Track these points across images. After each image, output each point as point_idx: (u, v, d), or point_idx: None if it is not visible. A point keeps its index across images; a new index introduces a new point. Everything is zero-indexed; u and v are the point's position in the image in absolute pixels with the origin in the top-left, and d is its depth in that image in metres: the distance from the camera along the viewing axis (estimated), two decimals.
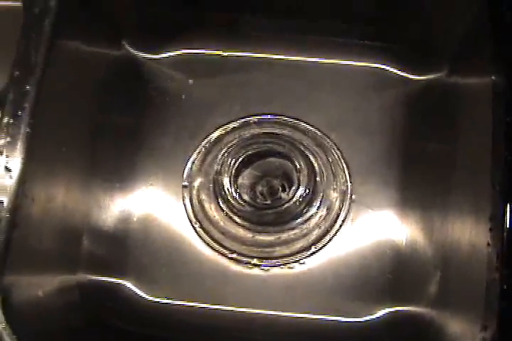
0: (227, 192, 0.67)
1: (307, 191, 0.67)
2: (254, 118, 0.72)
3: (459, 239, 0.62)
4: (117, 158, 0.72)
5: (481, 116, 0.58)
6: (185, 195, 0.71)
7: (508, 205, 0.52)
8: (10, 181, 0.54)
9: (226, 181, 0.66)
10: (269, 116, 0.72)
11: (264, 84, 0.74)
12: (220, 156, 0.68)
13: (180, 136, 0.73)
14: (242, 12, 0.73)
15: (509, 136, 0.54)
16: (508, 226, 0.52)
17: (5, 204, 0.54)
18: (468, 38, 0.64)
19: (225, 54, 0.74)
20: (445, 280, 0.64)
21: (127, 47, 0.73)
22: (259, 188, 0.70)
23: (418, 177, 0.70)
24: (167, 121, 0.73)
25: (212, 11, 0.73)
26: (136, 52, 0.74)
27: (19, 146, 0.55)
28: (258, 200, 0.69)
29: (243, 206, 0.67)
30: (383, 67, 0.74)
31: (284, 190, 0.69)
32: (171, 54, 0.75)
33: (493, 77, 0.56)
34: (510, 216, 0.52)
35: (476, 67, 0.62)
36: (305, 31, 0.74)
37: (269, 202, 0.69)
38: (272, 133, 0.70)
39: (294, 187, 0.67)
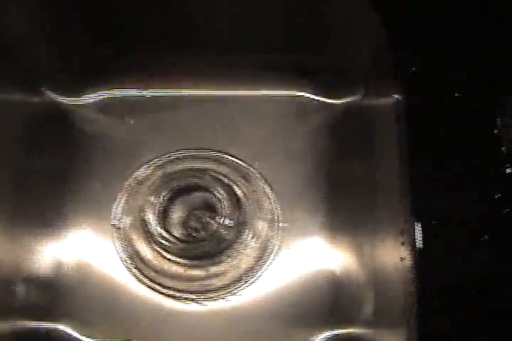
0: (154, 229, 0.67)
1: (231, 221, 0.67)
2: (177, 154, 0.72)
3: (385, 259, 0.62)
4: (46, 203, 0.72)
5: (389, 137, 0.60)
6: (116, 235, 0.71)
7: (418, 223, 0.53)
8: None
9: (152, 218, 0.67)
10: (192, 152, 0.72)
11: (187, 120, 0.75)
12: (144, 195, 0.68)
13: (108, 177, 0.74)
14: (163, 50, 0.74)
15: (412, 152, 0.56)
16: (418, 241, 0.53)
17: None
18: (374, 62, 0.66)
19: (146, 93, 0.75)
20: (378, 300, 0.65)
21: (47, 93, 0.74)
22: (189, 223, 0.70)
23: (345, 202, 0.71)
24: (94, 163, 0.74)
25: (130, 52, 0.74)
26: (57, 98, 0.74)
27: None
28: (188, 235, 0.69)
29: (171, 242, 0.67)
30: (302, 94, 0.75)
31: (210, 223, 0.69)
32: (93, 96, 0.76)
33: (395, 96, 0.58)
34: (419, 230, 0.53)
35: (383, 90, 0.64)
36: (222, 65, 0.75)
37: (198, 236, 0.69)
38: (194, 167, 0.70)
39: (218, 219, 0.67)
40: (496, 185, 0.55)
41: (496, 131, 0.56)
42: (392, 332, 0.59)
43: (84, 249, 0.72)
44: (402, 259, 0.55)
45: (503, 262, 0.53)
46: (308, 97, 0.75)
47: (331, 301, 0.70)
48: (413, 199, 0.54)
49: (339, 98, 0.74)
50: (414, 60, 0.60)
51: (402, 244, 0.55)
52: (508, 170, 0.55)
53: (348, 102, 0.73)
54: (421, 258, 0.53)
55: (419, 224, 0.54)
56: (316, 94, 0.75)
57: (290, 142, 0.74)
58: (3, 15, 0.64)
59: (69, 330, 0.69)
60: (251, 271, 0.70)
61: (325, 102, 0.75)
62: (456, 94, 0.57)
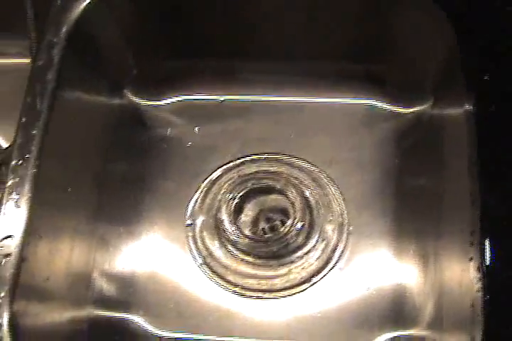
0: (227, 228, 0.69)
1: (303, 224, 0.69)
2: (252, 157, 0.75)
3: (450, 271, 0.64)
4: (122, 202, 0.75)
5: (459, 149, 0.61)
6: (189, 233, 0.74)
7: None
8: (19, 218, 0.58)
9: (225, 217, 0.69)
10: (265, 155, 0.75)
11: (261, 125, 0.78)
12: (219, 194, 0.71)
13: (183, 179, 0.77)
14: (238, 57, 0.78)
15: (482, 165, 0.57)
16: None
17: (15, 239, 0.58)
18: (444, 71, 0.68)
19: (223, 98, 0.79)
20: (440, 303, 0.66)
21: (129, 95, 0.77)
22: (260, 224, 0.73)
23: (411, 209, 0.73)
24: (169, 165, 0.77)
25: (209, 58, 0.78)
26: (137, 100, 0.78)
27: (27, 186, 0.59)
28: (259, 235, 0.72)
29: (244, 241, 0.69)
30: (372, 102, 0.78)
31: (283, 225, 0.71)
32: (172, 100, 0.79)
33: (466, 106, 0.60)
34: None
35: (453, 99, 0.66)
36: (297, 73, 0.78)
37: (269, 236, 0.71)
38: (269, 170, 0.73)
39: (289, 222, 0.69)
40: None
41: None
42: (455, 333, 0.60)
43: (158, 246, 0.75)
44: (470, 259, 0.56)
45: None
46: (378, 106, 0.77)
47: (394, 305, 0.71)
48: (482, 212, 0.56)
49: (408, 107, 0.77)
50: (485, 70, 0.61)
51: (471, 259, 0.56)
52: None
53: (417, 112, 0.76)
54: (488, 273, 0.54)
55: (488, 241, 0.55)
56: (386, 103, 0.77)
57: (360, 150, 0.76)
58: (98, 25, 0.69)
59: (141, 322, 0.72)
60: (317, 273, 0.72)
61: (394, 111, 0.77)
62: None
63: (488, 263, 0.55)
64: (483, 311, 0.54)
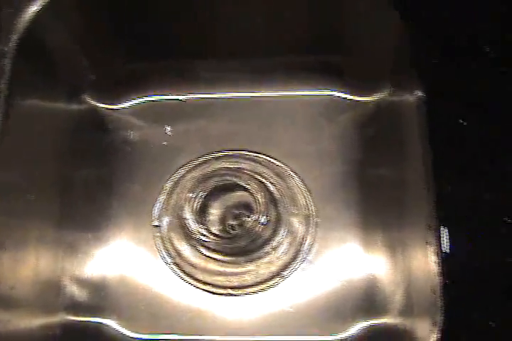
0: (192, 226, 0.69)
1: (268, 219, 0.69)
2: (214, 155, 0.75)
3: (414, 255, 0.64)
4: (88, 207, 0.75)
5: (415, 134, 0.61)
6: (156, 234, 0.74)
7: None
8: None
9: (190, 216, 0.69)
10: (228, 152, 0.75)
11: (222, 122, 0.78)
12: (183, 194, 0.71)
13: (148, 181, 0.77)
14: (195, 56, 0.78)
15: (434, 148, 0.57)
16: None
17: None
18: (398, 59, 0.68)
19: (183, 98, 0.79)
20: (409, 291, 0.66)
21: (88, 100, 0.77)
22: (227, 221, 0.73)
23: (376, 199, 0.73)
24: (134, 167, 0.77)
25: (166, 58, 0.77)
26: (97, 104, 0.78)
27: None
28: (225, 232, 0.72)
29: (210, 239, 0.69)
30: (331, 93, 0.77)
31: (247, 221, 0.71)
32: (132, 103, 0.79)
33: (418, 93, 0.60)
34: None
35: (408, 86, 0.66)
36: (255, 69, 0.78)
37: (235, 232, 0.71)
38: (231, 167, 0.73)
39: (254, 217, 0.69)
40: None
41: None
42: (423, 319, 0.60)
43: (127, 249, 0.75)
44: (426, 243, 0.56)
45: None
46: (337, 96, 0.77)
47: (365, 295, 0.71)
48: (437, 198, 0.56)
49: (368, 96, 0.76)
50: (433, 57, 0.61)
51: (427, 243, 0.57)
52: None
53: (376, 100, 0.75)
54: (446, 256, 0.54)
55: (444, 224, 0.55)
56: (346, 93, 0.77)
57: (322, 141, 0.76)
58: (49, 31, 0.68)
59: (114, 325, 0.72)
60: (287, 267, 0.72)
61: (354, 101, 0.77)
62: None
63: (445, 247, 0.55)
64: (443, 296, 0.54)
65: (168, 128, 0.78)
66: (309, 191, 0.74)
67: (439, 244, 0.55)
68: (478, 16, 0.61)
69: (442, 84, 0.60)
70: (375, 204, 0.72)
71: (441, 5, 0.62)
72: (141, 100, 0.79)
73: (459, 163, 0.57)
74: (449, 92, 0.59)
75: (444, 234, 0.55)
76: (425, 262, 0.59)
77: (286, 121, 0.77)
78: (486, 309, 0.54)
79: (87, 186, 0.76)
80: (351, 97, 0.77)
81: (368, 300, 0.71)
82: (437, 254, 0.56)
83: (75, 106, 0.76)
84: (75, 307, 0.72)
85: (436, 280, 0.55)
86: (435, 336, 0.54)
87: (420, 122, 0.60)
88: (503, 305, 0.54)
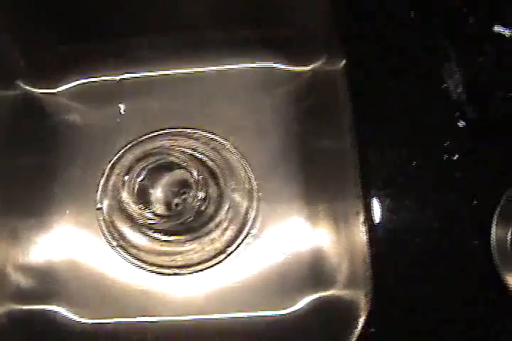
0: (130, 208, 0.68)
1: (205, 194, 0.68)
2: (152, 135, 0.74)
3: (354, 228, 0.63)
4: (31, 194, 0.74)
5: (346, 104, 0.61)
6: (100, 217, 0.73)
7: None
8: None
9: (127, 197, 0.68)
10: (165, 131, 0.74)
11: (160, 100, 0.77)
12: (119, 176, 0.70)
13: (89, 164, 0.76)
14: (128, 35, 0.76)
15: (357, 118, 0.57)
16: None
17: None
18: (329, 31, 0.67)
19: (119, 78, 0.77)
20: (353, 263, 0.66)
21: (22, 85, 0.76)
22: (164, 199, 0.72)
23: (317, 171, 0.72)
24: (74, 151, 0.76)
25: (98, 39, 0.76)
26: (32, 90, 0.77)
27: None
28: (165, 211, 0.71)
29: (149, 218, 0.68)
30: (268, 65, 0.77)
31: (185, 198, 0.70)
32: (68, 86, 0.78)
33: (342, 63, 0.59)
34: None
35: (339, 56, 0.65)
36: (191, 44, 0.77)
37: (175, 211, 0.71)
38: (166, 145, 0.72)
39: (192, 193, 0.68)
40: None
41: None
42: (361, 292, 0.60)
43: (72, 234, 0.74)
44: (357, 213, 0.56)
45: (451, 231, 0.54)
46: (273, 67, 0.76)
47: (312, 268, 0.71)
48: (362, 169, 0.56)
49: (304, 66, 0.75)
50: (355, 27, 0.61)
51: (357, 213, 0.56)
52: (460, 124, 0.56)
53: (313, 69, 0.74)
54: (375, 230, 0.54)
55: (371, 195, 0.55)
56: (281, 64, 0.76)
57: (261, 115, 0.75)
58: None
59: (63, 311, 0.72)
60: (231, 243, 0.72)
61: (291, 72, 0.76)
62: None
63: (372, 216, 0.55)
64: (371, 265, 0.54)
65: (122, 110, 0.77)
66: (250, 165, 0.73)
67: (365, 212, 0.55)
68: None
69: (362, 53, 0.59)
70: (317, 176, 0.72)
71: None
72: (77, 82, 0.79)
73: (384, 130, 0.57)
74: (369, 60, 0.59)
75: (370, 201, 0.55)
76: (358, 232, 0.59)
77: (225, 95, 0.76)
78: (412, 278, 0.54)
79: (29, 172, 0.75)
80: (288, 68, 0.76)
81: (314, 272, 0.70)
82: (364, 222, 0.55)
83: (10, 93, 0.75)
84: (21, 295, 0.72)
85: (366, 250, 0.55)
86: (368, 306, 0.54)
87: (343, 92, 0.59)
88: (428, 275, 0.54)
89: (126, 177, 0.69)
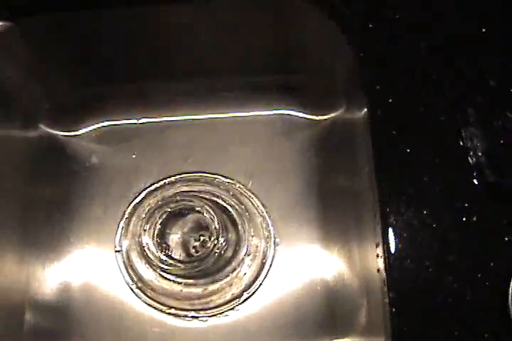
0: (151, 253, 0.69)
1: (226, 240, 0.69)
2: (171, 179, 0.76)
3: (370, 269, 0.65)
4: (51, 231, 0.76)
5: (364, 149, 0.62)
6: (119, 258, 0.74)
7: (390, 230, 0.55)
8: None
9: (149, 242, 0.69)
10: (183, 175, 0.76)
11: (180, 144, 0.79)
12: (140, 220, 0.72)
13: (108, 204, 0.77)
14: (150, 79, 0.78)
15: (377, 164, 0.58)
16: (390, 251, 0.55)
17: None
18: (350, 79, 0.69)
19: (139, 121, 0.79)
20: (371, 308, 0.67)
21: (44, 127, 0.78)
22: (184, 245, 0.73)
23: (334, 214, 0.74)
24: (95, 191, 0.77)
25: (120, 82, 0.78)
26: (53, 132, 0.78)
27: None
28: (183, 256, 0.72)
29: (169, 264, 0.69)
30: (288, 112, 0.78)
31: (203, 246, 0.72)
32: (89, 129, 0.80)
33: (364, 111, 0.61)
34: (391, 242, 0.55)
35: (359, 105, 0.66)
36: (210, 89, 0.78)
37: (195, 256, 0.72)
38: (187, 191, 0.73)
39: (213, 239, 0.70)
40: (464, 196, 0.57)
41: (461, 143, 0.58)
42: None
43: (90, 273, 0.75)
44: (378, 271, 0.57)
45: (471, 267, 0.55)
46: (293, 115, 0.78)
47: (327, 312, 0.72)
48: (382, 211, 0.57)
49: (322, 115, 0.77)
50: (378, 80, 0.62)
51: (377, 256, 0.57)
52: (475, 181, 0.57)
53: (331, 118, 0.76)
54: (392, 270, 0.55)
55: (389, 236, 0.56)
56: (301, 112, 0.78)
57: (279, 160, 0.77)
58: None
59: None
60: (248, 287, 0.73)
61: (310, 120, 0.78)
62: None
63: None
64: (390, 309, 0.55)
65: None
66: (268, 209, 0.74)
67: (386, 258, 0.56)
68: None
69: (384, 106, 0.61)
70: (334, 218, 0.73)
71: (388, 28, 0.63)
72: (97, 125, 0.80)
73: (401, 178, 0.58)
74: (390, 112, 0.60)
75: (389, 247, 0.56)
76: (376, 275, 0.60)
77: (243, 141, 0.78)
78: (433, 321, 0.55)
79: (49, 210, 0.76)
80: (307, 116, 0.78)
81: (330, 318, 0.71)
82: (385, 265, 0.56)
83: (32, 134, 0.76)
84: (37, 333, 0.72)
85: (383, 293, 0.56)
86: None
87: (366, 138, 0.60)
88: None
89: (147, 221, 0.70)
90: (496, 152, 0.57)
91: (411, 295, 0.55)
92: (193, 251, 0.73)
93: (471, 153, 0.58)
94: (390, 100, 0.61)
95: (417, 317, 0.54)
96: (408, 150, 0.59)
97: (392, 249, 0.56)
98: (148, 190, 0.76)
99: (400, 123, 0.61)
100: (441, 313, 0.54)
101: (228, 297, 0.73)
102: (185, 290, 0.73)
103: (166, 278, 0.73)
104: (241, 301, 0.73)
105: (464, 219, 0.56)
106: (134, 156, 0.78)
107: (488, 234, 0.55)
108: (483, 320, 0.55)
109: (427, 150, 0.59)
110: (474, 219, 0.56)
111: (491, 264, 0.55)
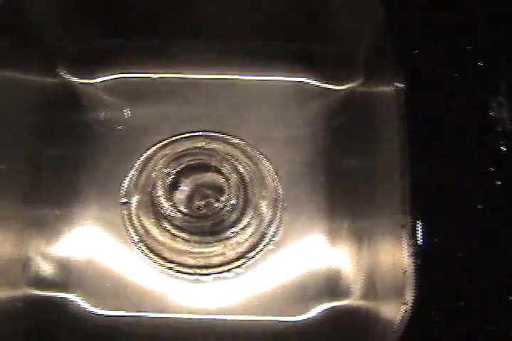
0: (163, 204, 0.69)
1: (237, 200, 0.70)
2: (186, 135, 0.75)
3: (383, 235, 0.66)
4: (58, 183, 0.75)
5: (391, 127, 0.63)
6: (124, 211, 0.74)
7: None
8: None
9: (161, 193, 0.69)
10: (200, 133, 0.76)
11: (194, 103, 0.78)
12: (154, 171, 0.71)
13: (118, 159, 0.76)
14: (171, 36, 0.78)
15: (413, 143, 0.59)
16: None
17: None
18: (375, 49, 0.70)
19: (156, 76, 0.78)
20: (373, 276, 0.68)
21: (63, 74, 0.77)
22: (195, 200, 0.73)
23: (344, 187, 0.75)
24: (105, 145, 0.77)
25: (142, 37, 0.77)
26: (71, 79, 0.78)
27: None
28: (194, 212, 0.72)
29: (179, 217, 0.70)
30: (304, 80, 0.79)
31: (217, 201, 0.72)
32: (105, 78, 0.79)
33: (396, 84, 0.61)
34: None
35: (384, 77, 0.67)
36: (229, 51, 0.78)
37: (204, 212, 0.72)
38: (203, 147, 0.73)
39: (224, 197, 0.70)
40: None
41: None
42: (388, 301, 0.62)
43: (95, 226, 0.75)
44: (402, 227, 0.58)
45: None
46: (309, 83, 0.79)
47: (329, 279, 0.73)
48: (414, 193, 0.57)
49: (340, 85, 0.78)
50: (414, 46, 0.63)
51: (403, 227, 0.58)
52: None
53: (348, 89, 0.77)
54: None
55: (420, 220, 0.57)
56: (317, 81, 0.79)
57: (292, 127, 0.77)
58: (31, 3, 0.67)
59: (78, 301, 0.72)
60: (253, 249, 0.73)
61: (326, 89, 0.78)
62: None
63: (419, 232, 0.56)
64: (415, 276, 0.56)
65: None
66: (278, 175, 0.75)
67: (413, 228, 0.57)
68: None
69: (421, 75, 0.61)
70: (343, 191, 0.74)
71: None
72: (114, 76, 0.79)
73: (437, 152, 0.59)
74: (427, 82, 0.61)
75: (418, 219, 0.57)
76: (393, 246, 0.61)
77: (258, 105, 0.78)
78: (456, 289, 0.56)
79: (58, 161, 0.75)
80: (323, 85, 0.78)
81: (331, 284, 0.72)
82: (410, 238, 0.57)
83: (48, 80, 0.75)
84: (40, 281, 0.72)
85: (406, 260, 0.57)
86: (405, 316, 0.55)
87: (398, 112, 0.61)
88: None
89: (163, 172, 0.70)
90: None
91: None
92: (203, 207, 0.73)
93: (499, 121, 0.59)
94: (422, 73, 0.62)
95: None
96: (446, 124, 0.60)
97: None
98: (161, 144, 0.76)
99: (434, 98, 0.61)
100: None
101: (233, 256, 0.73)
102: (190, 247, 0.73)
103: (171, 234, 0.73)
104: (245, 261, 0.73)
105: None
106: (147, 111, 0.78)
107: None
108: None
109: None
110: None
111: None
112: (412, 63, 0.62)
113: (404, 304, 0.56)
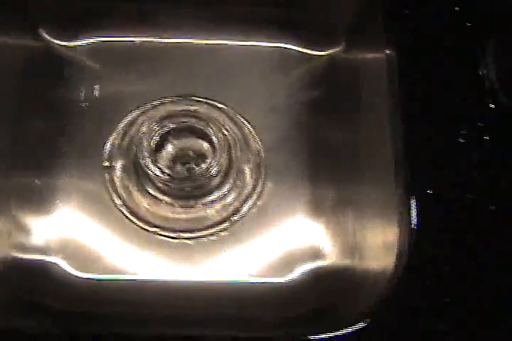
0: (146, 166, 0.69)
1: (221, 163, 0.70)
2: (170, 99, 0.75)
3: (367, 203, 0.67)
4: (40, 149, 0.74)
5: (379, 93, 0.64)
6: (107, 175, 0.74)
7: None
8: None
9: (145, 156, 0.69)
10: (184, 97, 0.76)
11: (177, 68, 0.78)
12: (138, 133, 0.71)
13: (100, 121, 0.76)
14: (154, 1, 0.77)
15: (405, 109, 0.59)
16: None
17: None
18: (362, 13, 0.70)
19: (138, 40, 0.78)
20: (358, 238, 0.69)
21: (44, 35, 0.76)
22: (179, 163, 0.73)
23: (327, 155, 0.76)
24: (86, 110, 0.76)
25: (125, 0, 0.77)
26: (53, 40, 0.76)
27: None
28: (178, 174, 0.72)
29: (163, 180, 0.70)
30: (286, 45, 0.79)
31: (202, 163, 0.72)
32: (88, 42, 0.78)
33: (387, 51, 0.62)
34: None
35: (370, 44, 0.68)
36: (212, 16, 0.78)
37: (188, 175, 0.72)
38: (188, 109, 0.73)
39: (209, 161, 0.70)
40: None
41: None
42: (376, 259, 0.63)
43: (77, 190, 0.74)
44: None
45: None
46: (291, 49, 0.79)
47: (313, 239, 0.74)
48: (408, 161, 0.58)
49: (322, 51, 0.78)
50: (402, 14, 0.63)
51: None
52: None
53: (330, 55, 0.78)
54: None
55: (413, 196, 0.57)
56: (299, 47, 0.79)
57: (274, 93, 0.78)
58: None
59: (61, 264, 0.71)
60: (237, 212, 0.74)
61: (308, 55, 0.79)
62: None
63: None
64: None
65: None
66: (261, 139, 0.75)
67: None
68: None
69: (411, 40, 0.62)
70: (327, 159, 0.75)
71: None
72: (96, 39, 0.78)
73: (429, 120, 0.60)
74: (417, 48, 0.62)
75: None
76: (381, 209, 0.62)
77: (240, 70, 0.79)
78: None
79: (38, 125, 0.74)
80: (306, 51, 0.79)
81: (315, 244, 0.73)
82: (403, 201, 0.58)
83: (30, 42, 0.74)
84: (22, 245, 0.71)
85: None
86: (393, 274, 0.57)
87: (387, 79, 0.62)
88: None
89: (147, 134, 0.69)
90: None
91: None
92: (187, 169, 0.73)
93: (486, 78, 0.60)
94: (411, 35, 0.63)
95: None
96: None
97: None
98: (144, 108, 0.75)
99: (423, 64, 0.61)
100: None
101: (217, 220, 0.73)
102: (174, 210, 0.73)
103: (155, 197, 0.72)
104: (229, 224, 0.73)
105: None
106: (130, 76, 0.77)
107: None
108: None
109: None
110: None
111: None
112: (401, 27, 0.63)
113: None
